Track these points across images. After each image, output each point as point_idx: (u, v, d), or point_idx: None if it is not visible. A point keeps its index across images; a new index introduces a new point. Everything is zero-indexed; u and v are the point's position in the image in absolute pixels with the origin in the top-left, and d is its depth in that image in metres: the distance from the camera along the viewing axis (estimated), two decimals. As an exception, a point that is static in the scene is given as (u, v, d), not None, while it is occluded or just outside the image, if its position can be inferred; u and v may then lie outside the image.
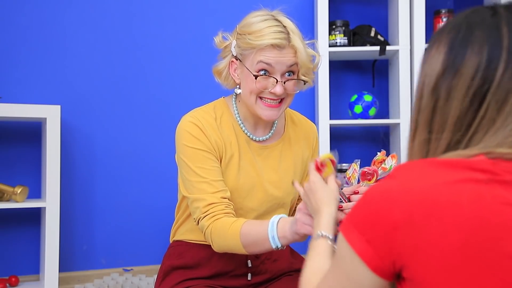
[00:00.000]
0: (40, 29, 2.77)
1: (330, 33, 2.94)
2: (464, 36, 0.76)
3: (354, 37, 3.01)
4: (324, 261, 0.98)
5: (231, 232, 1.31)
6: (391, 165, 1.42)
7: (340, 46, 2.94)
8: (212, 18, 2.99)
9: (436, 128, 0.77)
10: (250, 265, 1.50)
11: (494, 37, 0.74)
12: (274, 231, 1.26)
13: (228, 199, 1.39)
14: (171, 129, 1.50)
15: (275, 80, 1.37)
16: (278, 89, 1.37)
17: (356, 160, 1.41)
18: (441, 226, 0.68)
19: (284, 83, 1.38)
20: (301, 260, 1.62)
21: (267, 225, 1.27)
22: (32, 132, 2.73)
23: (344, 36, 2.95)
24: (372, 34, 2.98)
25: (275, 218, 1.29)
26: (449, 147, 0.76)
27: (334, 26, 2.95)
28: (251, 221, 1.33)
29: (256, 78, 1.36)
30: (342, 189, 1.40)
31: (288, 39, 1.36)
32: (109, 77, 2.87)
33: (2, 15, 2.71)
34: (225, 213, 1.36)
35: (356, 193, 1.39)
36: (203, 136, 1.41)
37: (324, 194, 1.15)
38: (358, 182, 1.41)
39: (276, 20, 1.38)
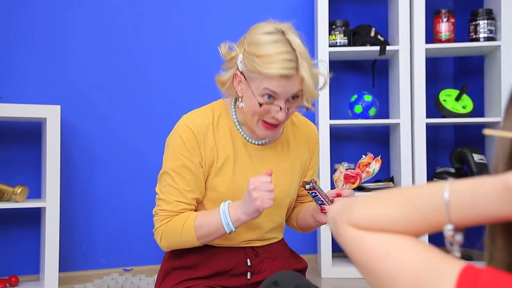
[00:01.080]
0: (40, 29, 2.77)
1: (330, 33, 2.94)
2: None
3: (354, 37, 3.00)
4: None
5: (186, 229, 1.39)
6: (374, 169, 1.43)
7: (340, 46, 2.94)
8: (214, 19, 2.99)
9: None
10: (249, 264, 1.50)
11: None
12: (227, 218, 1.36)
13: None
14: (171, 129, 1.51)
15: (279, 107, 1.37)
16: (281, 116, 1.38)
17: (344, 162, 1.42)
18: None
19: (288, 109, 1.39)
20: (301, 260, 1.63)
21: (219, 214, 1.37)
22: (32, 132, 2.73)
23: (344, 36, 2.95)
24: (372, 34, 2.98)
25: (223, 205, 1.38)
26: None
27: (334, 26, 2.94)
28: (200, 214, 1.42)
29: (260, 106, 1.37)
30: (326, 191, 1.40)
31: (297, 68, 1.33)
32: (109, 77, 2.87)
33: (2, 15, 2.72)
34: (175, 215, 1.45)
35: (338, 195, 1.39)
36: (194, 144, 1.43)
37: None
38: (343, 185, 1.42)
39: (286, 40, 1.34)
